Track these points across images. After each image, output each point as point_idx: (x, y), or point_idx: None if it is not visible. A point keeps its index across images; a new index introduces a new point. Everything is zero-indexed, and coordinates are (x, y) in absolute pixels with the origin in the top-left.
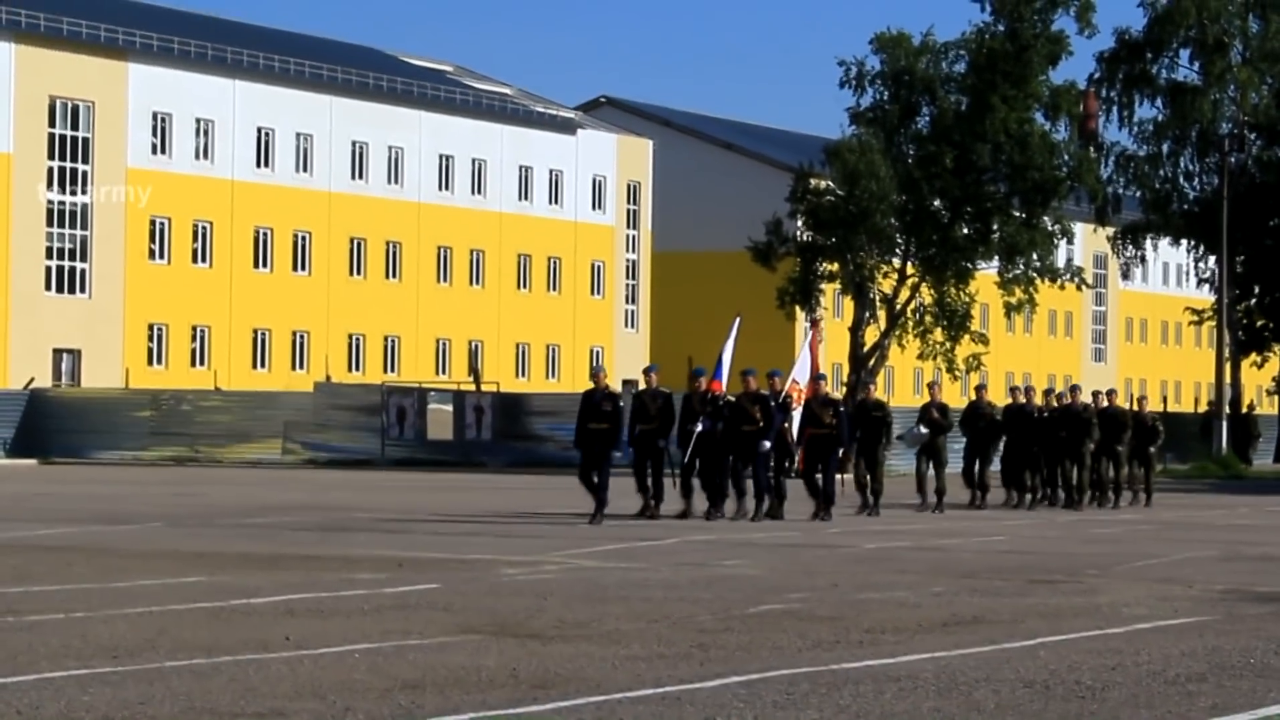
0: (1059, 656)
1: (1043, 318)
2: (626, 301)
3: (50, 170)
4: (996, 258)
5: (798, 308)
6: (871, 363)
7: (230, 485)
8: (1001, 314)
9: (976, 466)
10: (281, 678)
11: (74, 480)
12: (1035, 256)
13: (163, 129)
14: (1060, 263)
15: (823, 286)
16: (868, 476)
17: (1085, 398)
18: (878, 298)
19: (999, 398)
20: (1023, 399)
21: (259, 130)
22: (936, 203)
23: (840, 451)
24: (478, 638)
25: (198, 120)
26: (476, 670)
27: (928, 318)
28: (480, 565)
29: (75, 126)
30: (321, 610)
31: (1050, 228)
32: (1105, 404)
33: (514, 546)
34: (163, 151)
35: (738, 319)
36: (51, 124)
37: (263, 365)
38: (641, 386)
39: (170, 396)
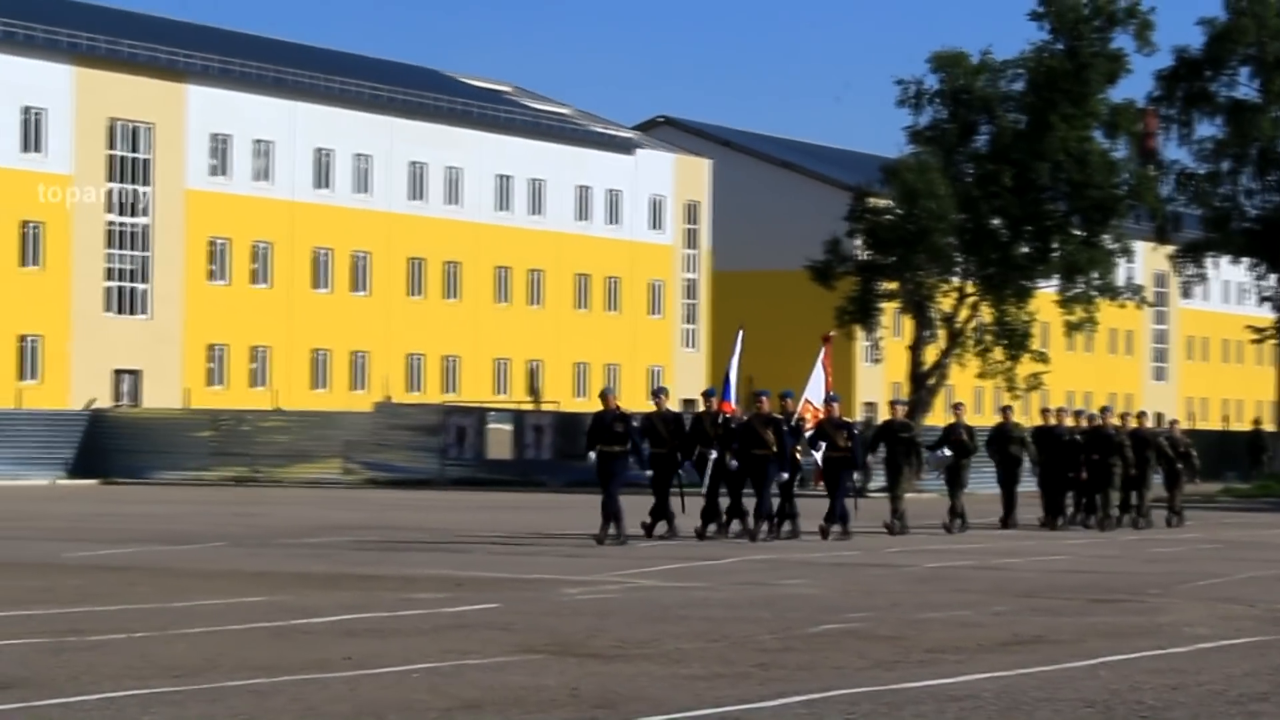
0: (1121, 676)
1: (1103, 336)
2: (685, 321)
3: (110, 192)
4: (1056, 276)
5: (857, 327)
6: (931, 381)
7: (290, 505)
8: (1062, 333)
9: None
10: (342, 697)
11: (135, 500)
12: (1095, 275)
13: (222, 150)
14: (1120, 281)
15: (882, 305)
16: (890, 497)
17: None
18: (937, 316)
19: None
20: (1053, 420)
21: (318, 151)
22: (996, 221)
23: (854, 474)
24: (538, 657)
25: (257, 142)
26: (537, 690)
27: (988, 336)
28: (540, 585)
29: (135, 148)
30: (381, 630)
31: (1110, 246)
32: (1135, 424)
33: (574, 566)
34: (222, 173)
35: (739, 332)
36: (111, 146)
37: (322, 385)
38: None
39: (230, 417)
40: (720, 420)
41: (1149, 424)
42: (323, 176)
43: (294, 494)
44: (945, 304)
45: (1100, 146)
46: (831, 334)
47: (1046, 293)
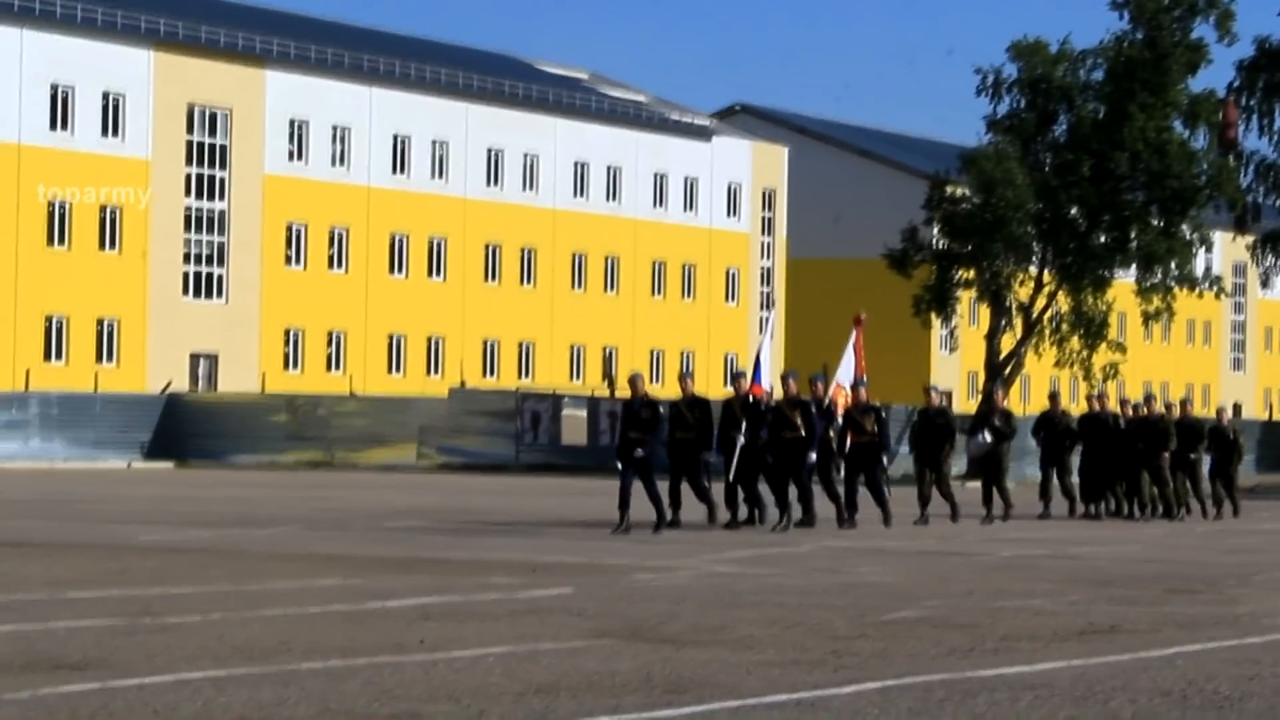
0: (1196, 666)
1: (1181, 326)
2: (761, 308)
3: (188, 176)
4: (1134, 266)
5: (934, 315)
6: (1008, 371)
7: (365, 489)
8: (1139, 323)
9: (1055, 477)
10: (416, 680)
11: (210, 484)
12: (1173, 265)
13: (300, 136)
14: (1199, 271)
15: (959, 294)
16: (932, 488)
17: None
18: (1014, 306)
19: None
20: (1098, 407)
21: (395, 137)
22: (1074, 211)
23: (885, 459)
24: (611, 642)
25: (334, 127)
26: (610, 675)
27: (1064, 326)
28: (614, 570)
29: (213, 133)
30: (456, 614)
31: (1189, 236)
32: (1180, 414)
33: (647, 552)
34: (299, 158)
35: (770, 314)
36: (190, 131)
37: (398, 370)
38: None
39: (306, 401)
40: (750, 402)
41: (1199, 413)
42: (400, 162)
43: (369, 478)
44: (1022, 293)
45: (1179, 136)
46: (863, 315)
47: (1124, 282)
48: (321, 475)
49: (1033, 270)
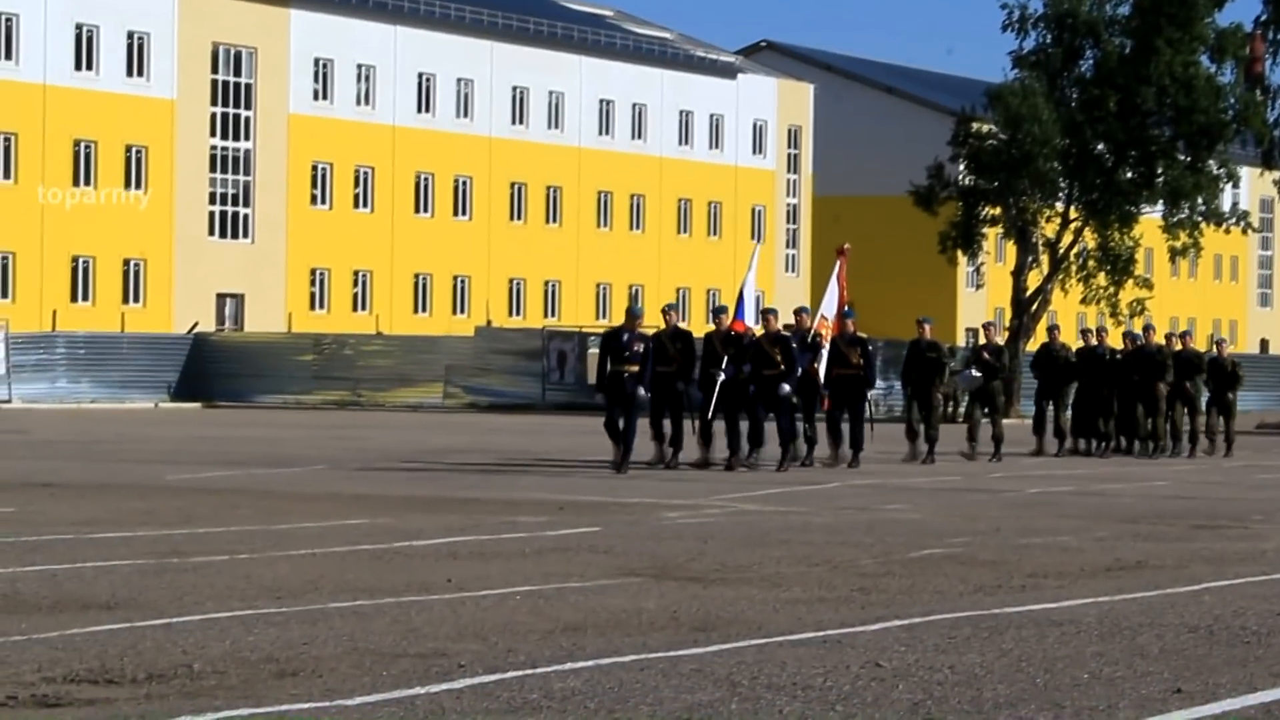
0: (1224, 601)
1: (1208, 262)
2: (787, 246)
3: (213, 116)
4: (1161, 202)
5: (960, 252)
6: (1034, 307)
7: (391, 429)
8: (1166, 258)
9: (1051, 410)
10: (443, 619)
11: (237, 423)
12: (1200, 200)
13: (324, 75)
14: (1226, 206)
15: (984, 231)
16: (921, 424)
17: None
18: (1040, 242)
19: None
20: (1094, 341)
21: (420, 76)
22: (1100, 146)
23: (869, 394)
24: (638, 580)
25: (359, 66)
26: (637, 613)
27: (1091, 262)
28: (641, 509)
29: (238, 73)
30: (483, 552)
31: (1215, 171)
32: (1179, 346)
33: (674, 490)
34: (324, 97)
35: (756, 247)
36: (214, 70)
37: (424, 310)
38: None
39: (332, 340)
40: (731, 337)
41: (1193, 344)
42: (424, 101)
43: (395, 418)
44: (1048, 229)
45: (1206, 71)
46: (847, 245)
47: (1150, 218)
48: (348, 415)
49: (1059, 206)
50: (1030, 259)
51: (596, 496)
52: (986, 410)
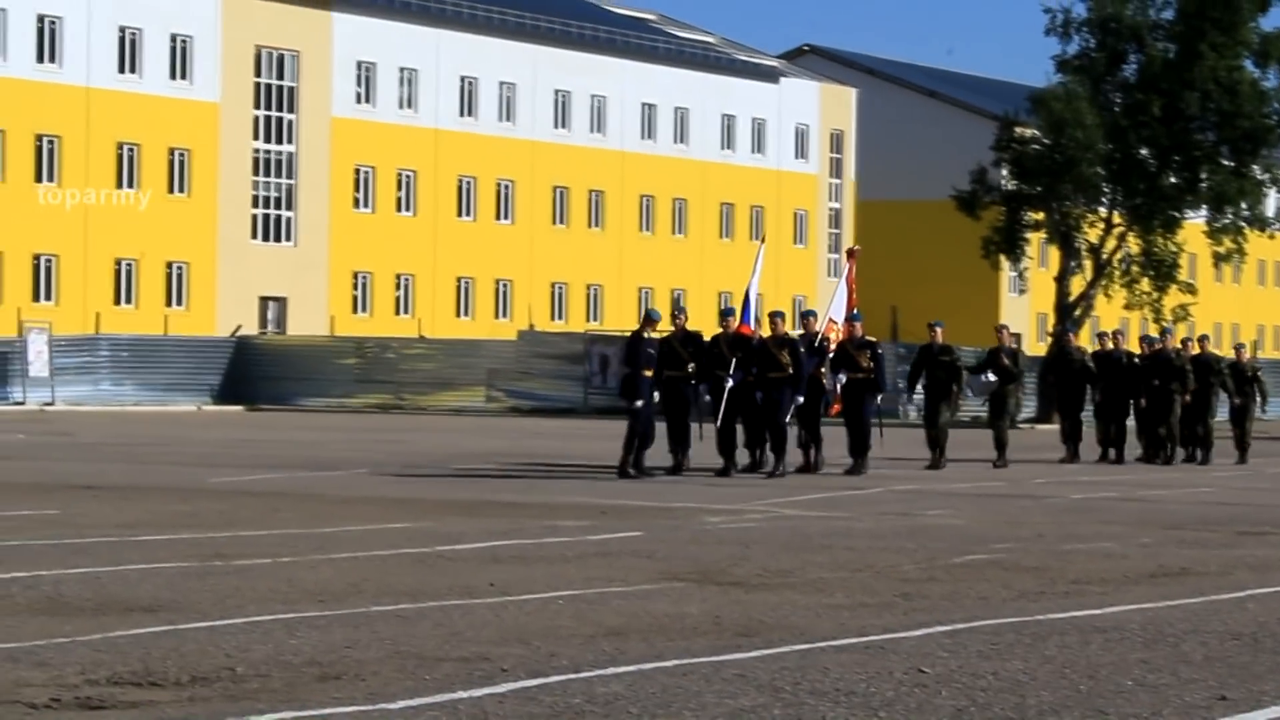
0: (1268, 609)
1: (1252, 267)
2: (830, 251)
3: (256, 119)
4: (1205, 207)
5: (1003, 257)
6: (1077, 313)
7: (434, 432)
8: (1210, 264)
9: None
10: (486, 623)
11: (280, 426)
12: (1244, 205)
13: (367, 78)
14: (1270, 211)
15: (1028, 235)
16: (935, 429)
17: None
18: (1084, 247)
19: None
20: (1111, 345)
21: (463, 79)
22: (1144, 151)
23: (878, 398)
24: (681, 585)
25: (402, 69)
26: (680, 617)
27: (1134, 267)
28: (683, 513)
29: (281, 76)
30: (525, 557)
31: (1260, 176)
32: (1197, 350)
33: (716, 495)
34: (367, 101)
35: (760, 247)
36: (257, 74)
37: (466, 313)
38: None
39: (375, 344)
40: (738, 340)
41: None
42: (467, 105)
43: (437, 421)
44: (1092, 234)
45: (1251, 75)
46: (857, 247)
47: (1194, 223)
48: (390, 418)
49: (1102, 211)
50: (1073, 264)
51: (638, 501)
52: (991, 414)
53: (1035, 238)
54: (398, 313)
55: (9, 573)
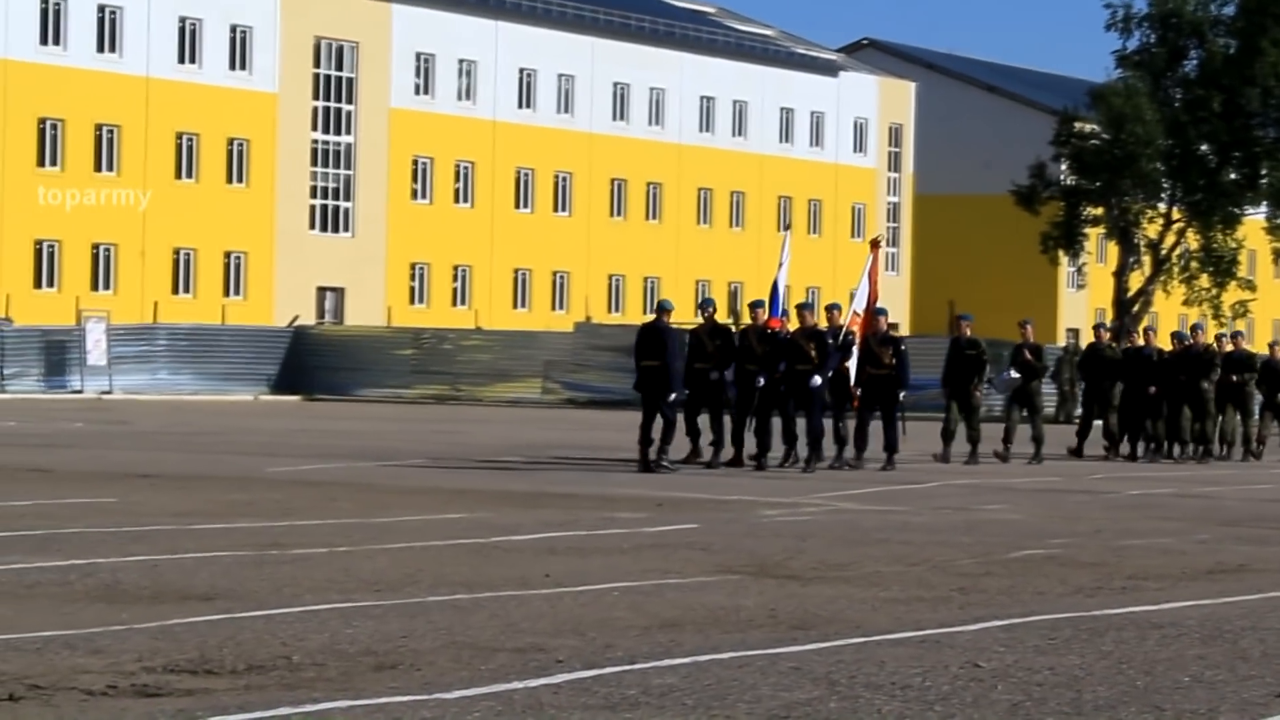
0: None
1: None
2: (887, 245)
3: (315, 110)
4: (1265, 203)
5: (1061, 252)
6: (1136, 308)
7: (490, 423)
8: (1270, 260)
9: (1096, 412)
10: (542, 614)
11: (336, 416)
12: None
13: (426, 70)
14: None
15: (1087, 231)
16: (961, 423)
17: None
18: (1143, 243)
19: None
20: (1141, 340)
21: (521, 71)
22: (1204, 147)
23: (901, 395)
24: (736, 578)
25: (460, 61)
26: (735, 610)
27: (1193, 263)
28: (739, 506)
29: (340, 67)
30: (581, 548)
31: None
32: (1231, 347)
33: (773, 488)
34: (425, 92)
35: (786, 236)
36: (316, 64)
37: (523, 305)
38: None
39: (432, 335)
40: (768, 334)
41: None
42: (526, 96)
43: (493, 412)
44: (1151, 230)
45: None
46: (879, 238)
47: (1255, 219)
48: (446, 409)
49: (1162, 207)
50: (1132, 260)
51: (694, 493)
52: (1026, 411)
53: (1094, 233)
54: (455, 304)
55: (67, 560)
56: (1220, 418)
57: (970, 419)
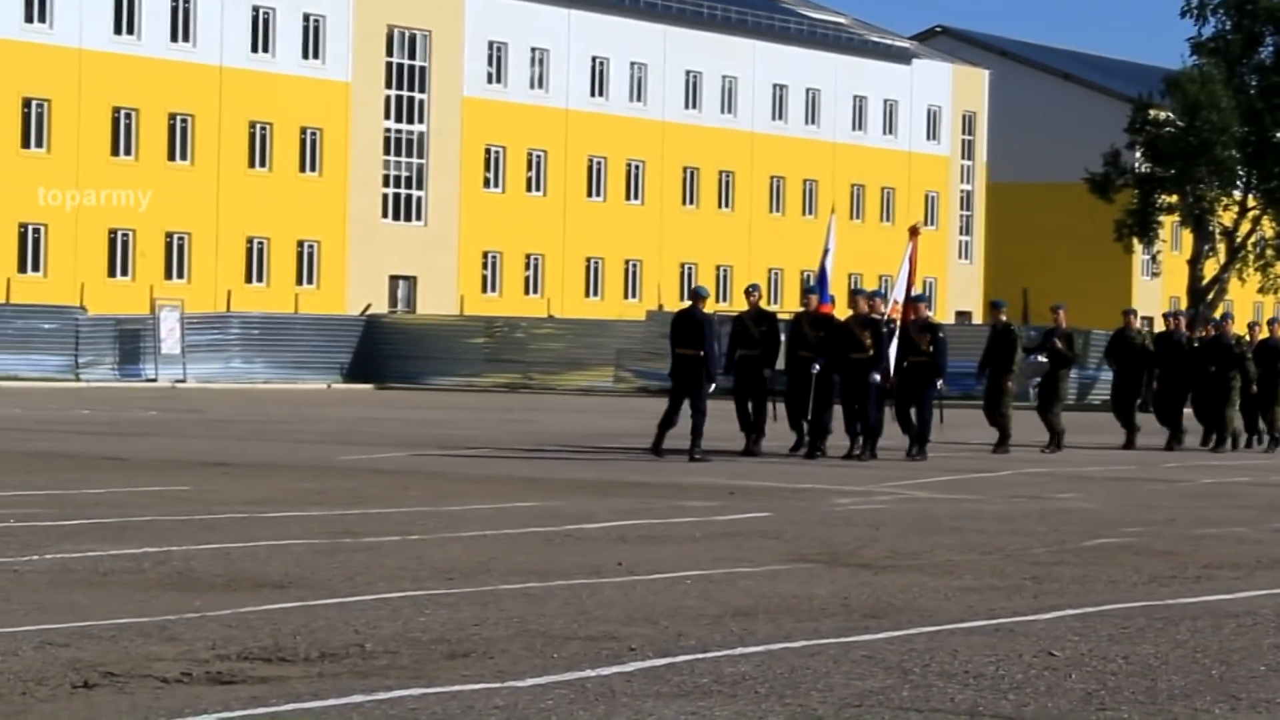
0: None
1: None
2: (961, 233)
3: (388, 99)
4: None
5: (1136, 240)
6: (1211, 296)
7: (562, 412)
8: None
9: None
10: (614, 602)
11: (409, 405)
12: None
13: (498, 58)
14: None
15: (1161, 219)
16: (993, 410)
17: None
18: (1217, 230)
19: None
20: (1173, 325)
21: (594, 60)
22: (1279, 134)
23: (939, 383)
24: (809, 566)
25: (533, 49)
26: (808, 598)
27: (1269, 251)
28: (812, 494)
29: (412, 56)
30: (653, 536)
31: None
32: (1266, 334)
33: (845, 476)
34: (498, 81)
35: (832, 219)
36: (389, 53)
37: (595, 293)
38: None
39: (504, 323)
40: (819, 319)
41: None
42: (598, 85)
43: (566, 401)
44: (1226, 218)
45: None
46: (919, 225)
47: None
48: (518, 398)
49: (1237, 195)
50: (1207, 247)
51: (766, 481)
52: (1039, 402)
53: (1168, 220)
54: (527, 292)
55: (140, 548)
56: (1265, 407)
57: (999, 405)
